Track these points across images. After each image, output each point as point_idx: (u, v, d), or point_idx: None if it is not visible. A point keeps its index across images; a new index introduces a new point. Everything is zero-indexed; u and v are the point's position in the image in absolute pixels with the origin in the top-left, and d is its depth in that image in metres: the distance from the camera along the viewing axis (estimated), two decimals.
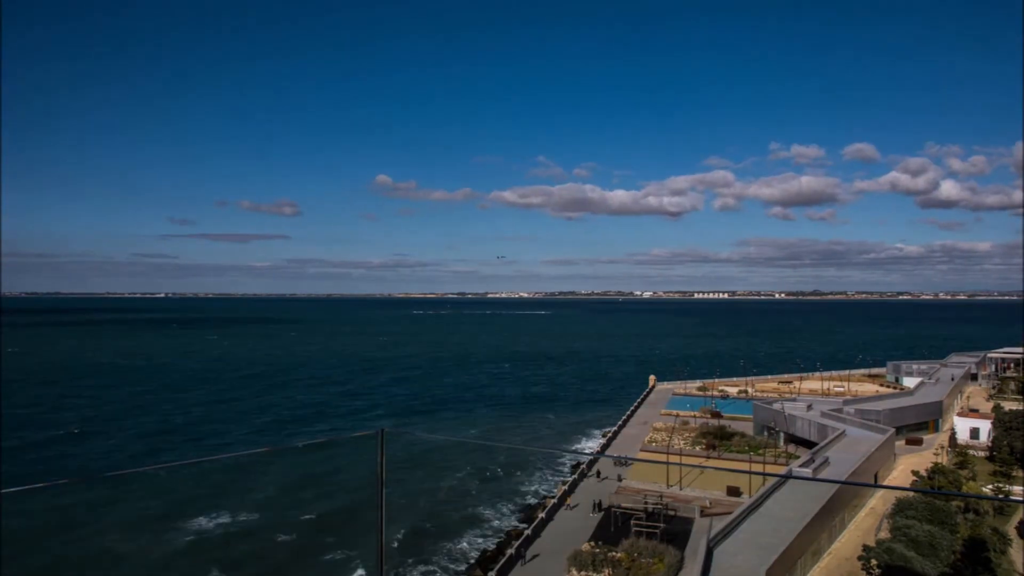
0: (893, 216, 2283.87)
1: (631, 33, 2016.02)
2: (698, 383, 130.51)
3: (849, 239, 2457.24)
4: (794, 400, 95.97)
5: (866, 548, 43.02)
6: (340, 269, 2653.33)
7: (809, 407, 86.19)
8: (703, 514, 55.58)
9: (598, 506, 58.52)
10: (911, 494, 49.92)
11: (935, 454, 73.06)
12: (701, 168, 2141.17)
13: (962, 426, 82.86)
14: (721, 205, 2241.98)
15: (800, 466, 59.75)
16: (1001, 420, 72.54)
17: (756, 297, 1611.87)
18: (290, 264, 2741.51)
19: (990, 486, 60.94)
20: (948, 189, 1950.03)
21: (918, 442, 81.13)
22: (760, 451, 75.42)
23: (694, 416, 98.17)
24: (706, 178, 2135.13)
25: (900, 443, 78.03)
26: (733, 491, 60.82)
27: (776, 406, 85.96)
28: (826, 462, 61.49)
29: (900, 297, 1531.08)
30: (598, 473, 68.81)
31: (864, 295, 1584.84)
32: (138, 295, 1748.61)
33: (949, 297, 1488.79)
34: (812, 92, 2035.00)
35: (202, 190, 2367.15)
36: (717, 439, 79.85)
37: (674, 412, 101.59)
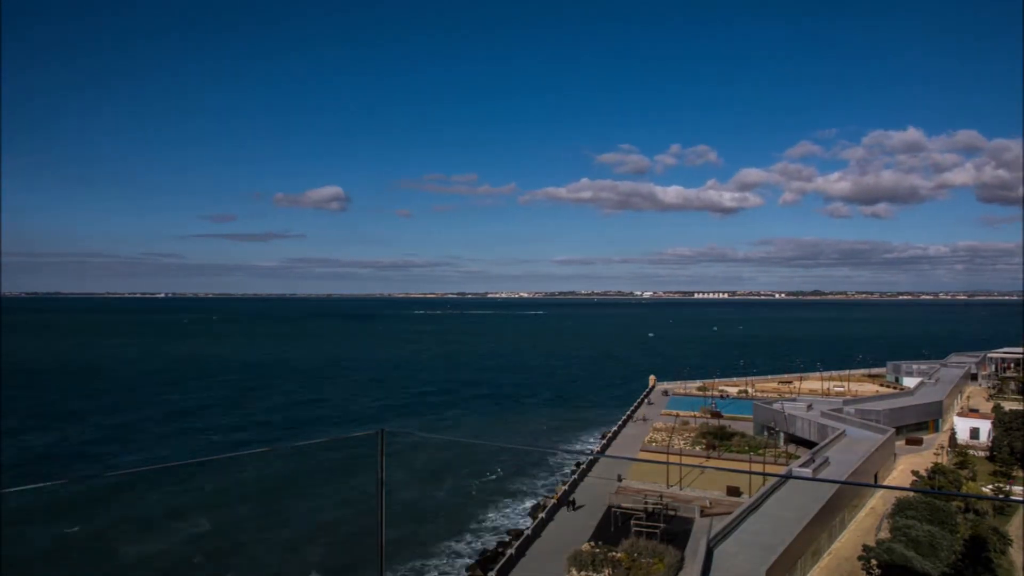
0: (948, 213, 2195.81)
1: (727, 10, 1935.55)
2: (698, 383, 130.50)
3: (875, 239, 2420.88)
4: (794, 400, 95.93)
5: (866, 548, 43.02)
6: (349, 269, 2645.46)
7: (809, 407, 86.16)
8: (703, 514, 55.56)
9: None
10: (911, 494, 49.91)
11: (935, 454, 73.07)
12: (783, 158, 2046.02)
13: (962, 426, 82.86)
14: (783, 201, 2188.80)
15: (800, 466, 59.73)
16: (1001, 420, 72.52)
17: (756, 297, 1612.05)
18: (299, 264, 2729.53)
19: (990, 486, 60.94)
20: None
21: (918, 442, 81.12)
22: (760, 451, 75.42)
23: (694, 416, 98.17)
24: (787, 168, 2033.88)
25: (900, 443, 78.01)
26: (733, 491, 60.80)
27: (776, 406, 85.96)
28: (826, 462, 61.48)
29: (900, 297, 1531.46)
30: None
31: (864, 295, 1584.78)
32: (138, 295, 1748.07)
33: (949, 297, 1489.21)
34: (935, 77, 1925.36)
35: (244, 185, 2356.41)
36: (717, 439, 79.85)
37: (674, 412, 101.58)
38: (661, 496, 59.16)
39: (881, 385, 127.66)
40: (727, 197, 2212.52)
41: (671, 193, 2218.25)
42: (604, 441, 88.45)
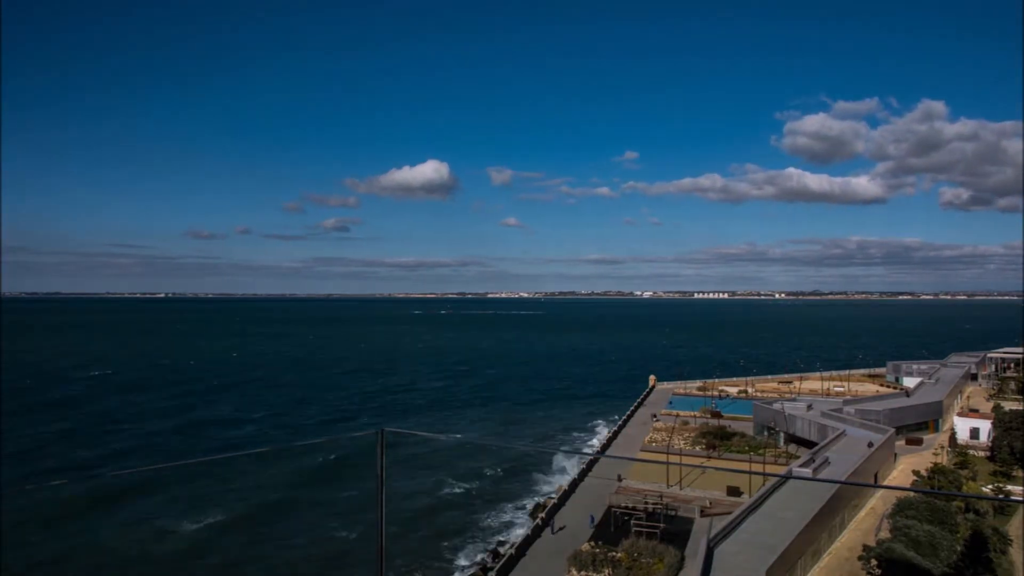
0: None
1: None
2: (698, 383, 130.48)
3: (937, 240, 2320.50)
4: (794, 400, 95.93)
5: (866, 548, 43.03)
6: (367, 268, 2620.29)
7: (809, 407, 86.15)
8: (703, 514, 55.57)
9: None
10: (911, 494, 49.89)
11: (935, 454, 73.04)
12: (969, 131, 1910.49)
13: (962, 426, 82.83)
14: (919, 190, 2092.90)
15: (800, 466, 59.72)
16: (1001, 420, 72.49)
17: (755, 298, 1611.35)
18: (316, 263, 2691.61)
19: (990, 486, 60.94)
20: None
21: (918, 442, 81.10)
22: (760, 451, 75.41)
23: (694, 416, 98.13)
24: (965, 148, 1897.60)
25: (900, 443, 78.02)
26: (733, 491, 60.79)
27: (776, 406, 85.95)
28: (826, 462, 61.47)
29: (900, 297, 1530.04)
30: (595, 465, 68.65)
31: (864, 295, 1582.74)
32: (138, 295, 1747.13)
33: (948, 297, 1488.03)
34: None
35: (321, 173, 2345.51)
36: (717, 439, 79.83)
37: (674, 412, 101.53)
38: (661, 496, 59.18)
39: (881, 385, 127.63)
40: (870, 186, 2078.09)
41: (821, 180, 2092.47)
42: (604, 441, 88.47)
